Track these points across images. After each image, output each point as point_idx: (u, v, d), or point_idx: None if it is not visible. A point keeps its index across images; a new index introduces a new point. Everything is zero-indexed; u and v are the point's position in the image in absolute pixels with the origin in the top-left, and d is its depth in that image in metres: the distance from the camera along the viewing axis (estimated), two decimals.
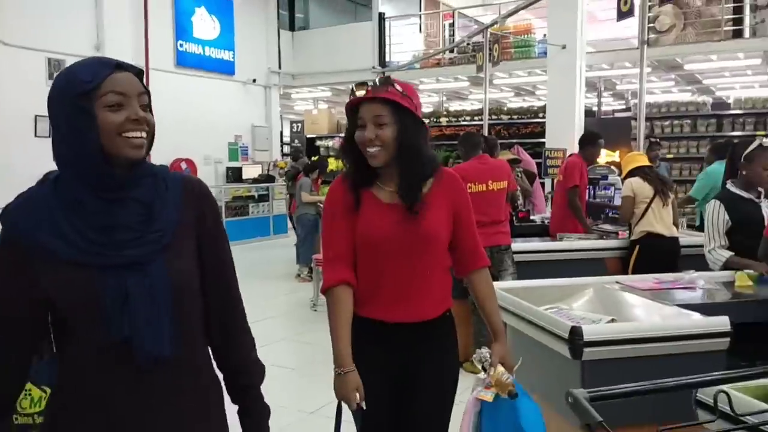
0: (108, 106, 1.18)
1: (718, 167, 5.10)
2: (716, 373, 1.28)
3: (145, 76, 8.01)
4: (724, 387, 1.36)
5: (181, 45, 11.27)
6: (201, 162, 11.63)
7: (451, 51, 12.59)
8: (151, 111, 1.25)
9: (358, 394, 1.80)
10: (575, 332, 2.12)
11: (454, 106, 16.40)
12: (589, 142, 5.51)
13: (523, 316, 2.48)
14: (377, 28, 13.10)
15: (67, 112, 1.18)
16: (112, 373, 1.21)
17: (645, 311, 2.57)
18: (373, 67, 12.99)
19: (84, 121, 1.18)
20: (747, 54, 10.20)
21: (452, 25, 14.58)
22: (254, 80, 12.89)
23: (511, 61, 11.51)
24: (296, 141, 13.89)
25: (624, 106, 13.73)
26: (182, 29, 11.27)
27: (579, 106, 9.57)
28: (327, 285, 1.87)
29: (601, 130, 7.28)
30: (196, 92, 11.38)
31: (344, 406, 1.84)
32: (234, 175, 12.21)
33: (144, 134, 1.22)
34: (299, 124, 13.95)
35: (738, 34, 10.04)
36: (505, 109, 12.41)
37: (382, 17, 13.15)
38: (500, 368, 1.89)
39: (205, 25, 11.71)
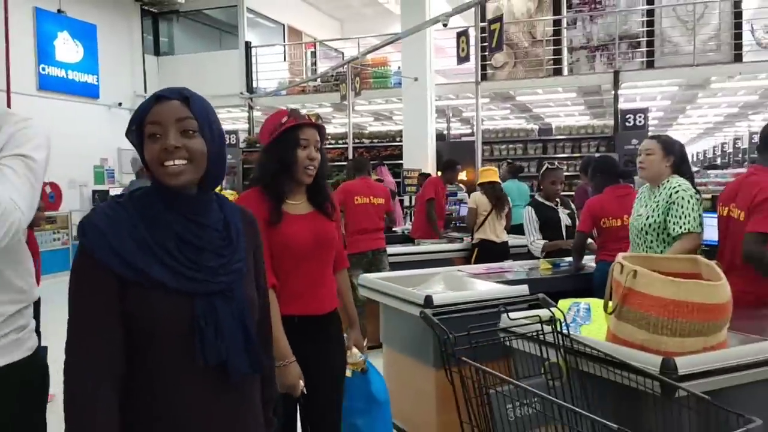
0: (148, 136, 1.22)
1: (511, 184, 6.97)
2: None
3: (6, 100, 8.12)
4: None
5: (44, 68, 11.16)
6: (66, 185, 11.48)
7: (315, 80, 13.49)
8: (204, 135, 1.25)
9: (301, 381, 1.99)
10: (428, 299, 3.02)
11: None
12: (449, 167, 6.67)
13: (394, 294, 3.35)
14: (244, 56, 13.70)
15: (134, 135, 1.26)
16: (198, 391, 1.24)
17: (475, 286, 3.56)
18: (241, 93, 13.57)
19: (140, 153, 1.25)
20: (565, 88, 12.12)
21: (314, 53, 15.57)
22: (120, 104, 12.93)
23: (370, 90, 12.63)
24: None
25: (470, 131, 15.44)
26: (45, 53, 11.17)
27: (431, 131, 10.89)
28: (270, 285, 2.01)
29: (450, 153, 8.52)
30: (60, 116, 11.27)
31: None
32: (101, 198, 12.14)
33: (182, 162, 1.21)
34: None
35: (558, 71, 11.93)
36: (367, 133, 13.53)
37: (248, 46, 13.77)
38: (354, 350, 2.35)
39: (68, 48, 11.66)
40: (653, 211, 3.14)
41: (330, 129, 17.32)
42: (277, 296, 2.06)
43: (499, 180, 5.85)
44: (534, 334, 2.24)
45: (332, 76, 12.38)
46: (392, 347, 3.51)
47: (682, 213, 3.02)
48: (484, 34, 7.70)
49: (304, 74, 14.73)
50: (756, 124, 15.55)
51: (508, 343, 2.42)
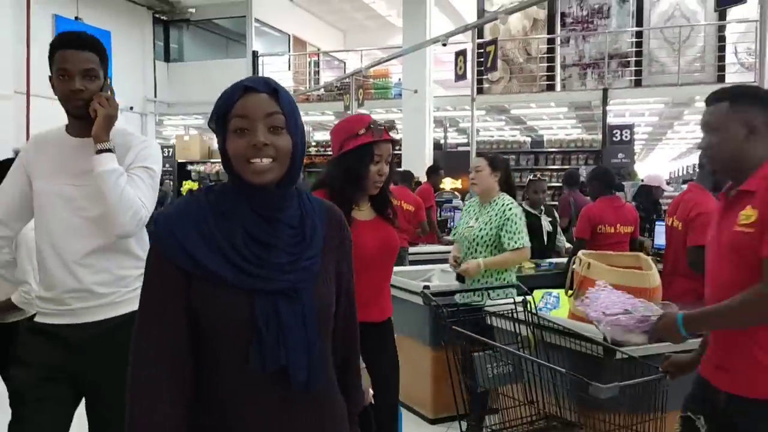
0: (234, 131, 1.16)
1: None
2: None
3: (26, 103, 8.69)
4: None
5: None
6: None
7: (319, 89, 14.07)
8: (290, 131, 1.19)
9: (371, 390, 2.00)
10: (426, 288, 3.58)
11: (317, 136, 17.93)
12: (433, 172, 7.33)
13: (398, 286, 3.91)
14: (251, 65, 14.28)
15: (217, 131, 1.20)
16: (258, 401, 1.17)
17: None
18: None
19: (221, 144, 1.20)
20: (557, 103, 12.72)
21: (317, 63, 16.18)
22: (131, 108, 13.48)
23: (372, 100, 13.21)
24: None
25: (466, 140, 16.04)
26: None
27: (429, 140, 11.50)
28: None
29: (446, 162, 9.08)
30: None
31: None
32: None
33: (268, 160, 1.16)
34: (170, 149, 14.62)
35: (551, 87, 12.54)
36: None
37: (255, 55, 14.36)
38: None
39: None
40: (486, 224, 3.41)
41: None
42: None
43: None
44: (509, 312, 2.81)
45: (336, 86, 12.96)
46: (396, 331, 4.08)
47: (516, 229, 3.33)
48: (481, 50, 8.28)
49: (307, 83, 15.32)
50: None
51: (489, 321, 2.99)
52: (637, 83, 12.00)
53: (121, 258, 1.93)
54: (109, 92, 1.91)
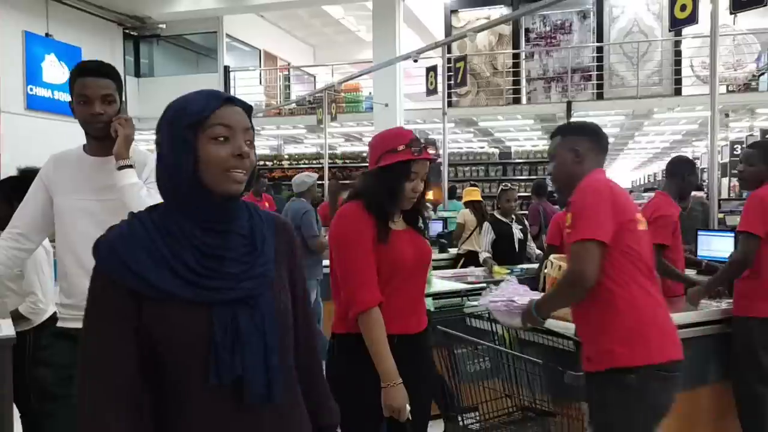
0: (214, 138, 1.13)
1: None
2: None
3: None
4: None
5: (32, 89, 11.67)
6: None
7: (291, 104, 14.24)
8: (253, 148, 1.20)
9: (408, 406, 1.94)
10: None
11: (289, 149, 18.08)
12: None
13: None
14: (223, 79, 14.38)
15: (172, 143, 1.15)
16: (217, 414, 1.13)
17: (445, 284, 4.35)
18: None
19: (185, 153, 1.13)
20: (524, 115, 13.12)
21: (287, 77, 16.37)
22: None
23: (343, 114, 13.42)
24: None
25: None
26: (33, 74, 11.69)
27: None
28: (368, 306, 1.96)
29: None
30: (46, 134, 11.75)
31: None
32: None
33: (245, 171, 1.16)
34: None
35: (517, 100, 12.94)
36: (339, 153, 14.30)
37: (227, 70, 14.48)
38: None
39: (54, 70, 12.18)
40: None
41: (302, 149, 18.06)
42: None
43: (481, 199, 6.48)
44: (486, 313, 3.03)
45: (308, 100, 13.16)
46: None
47: None
48: (450, 64, 8.56)
49: (278, 97, 15.48)
50: (699, 149, 16.85)
51: (468, 322, 3.21)
52: (599, 96, 12.47)
53: None
54: (126, 114, 2.08)
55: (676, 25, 4.64)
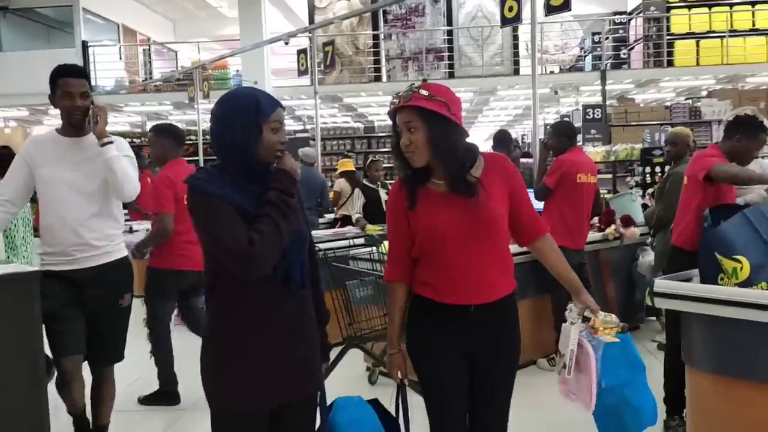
0: (273, 129, 1.73)
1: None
2: None
3: None
4: None
5: None
6: None
7: (159, 82, 14.14)
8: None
9: (399, 372, 2.07)
10: None
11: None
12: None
13: None
14: (81, 55, 13.96)
15: (245, 127, 1.70)
16: (272, 293, 1.76)
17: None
18: None
19: (255, 136, 1.70)
20: (384, 92, 14.15)
21: (147, 52, 16.11)
22: None
23: (212, 91, 13.65)
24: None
25: (302, 127, 17.00)
26: None
27: None
28: (387, 279, 2.11)
29: (289, 148, 9.94)
30: None
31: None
32: None
33: (283, 150, 1.78)
34: None
35: (378, 78, 13.93)
36: (208, 130, 14.45)
37: (85, 45, 14.06)
38: (601, 312, 2.05)
39: None
40: None
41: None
42: (428, 283, 1.99)
43: (354, 169, 7.28)
44: (367, 255, 3.93)
45: (177, 77, 13.24)
46: None
47: None
48: (313, 44, 9.19)
49: (140, 73, 15.26)
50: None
51: (354, 262, 4.09)
52: (451, 75, 13.78)
53: (109, 221, 2.78)
54: (98, 105, 2.69)
55: (506, 24, 5.73)
